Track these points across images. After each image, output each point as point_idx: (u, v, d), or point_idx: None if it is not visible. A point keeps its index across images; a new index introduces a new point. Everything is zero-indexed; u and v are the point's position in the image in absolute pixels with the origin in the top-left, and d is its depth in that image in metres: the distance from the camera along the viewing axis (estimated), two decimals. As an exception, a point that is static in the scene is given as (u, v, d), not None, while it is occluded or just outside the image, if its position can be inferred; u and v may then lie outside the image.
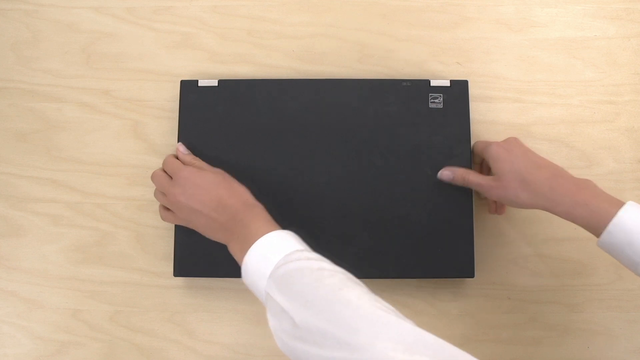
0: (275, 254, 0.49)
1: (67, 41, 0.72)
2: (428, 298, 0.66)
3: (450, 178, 0.63)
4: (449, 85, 0.66)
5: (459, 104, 0.66)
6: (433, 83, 0.66)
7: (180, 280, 0.67)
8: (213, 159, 0.65)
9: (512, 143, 0.59)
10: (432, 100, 0.66)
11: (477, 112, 0.69)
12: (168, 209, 0.60)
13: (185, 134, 0.66)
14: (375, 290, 0.67)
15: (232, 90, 0.67)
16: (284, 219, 0.64)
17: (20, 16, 0.73)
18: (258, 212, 0.55)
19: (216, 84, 0.67)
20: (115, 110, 0.71)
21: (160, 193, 0.60)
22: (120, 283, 0.68)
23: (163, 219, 0.62)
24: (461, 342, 0.65)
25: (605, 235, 0.50)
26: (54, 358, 0.66)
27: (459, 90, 0.66)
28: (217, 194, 0.56)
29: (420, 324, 0.66)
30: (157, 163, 0.69)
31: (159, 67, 0.71)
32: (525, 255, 0.67)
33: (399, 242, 0.64)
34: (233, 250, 0.54)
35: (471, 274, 0.63)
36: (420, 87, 0.66)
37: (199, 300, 0.67)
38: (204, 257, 0.64)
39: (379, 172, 0.65)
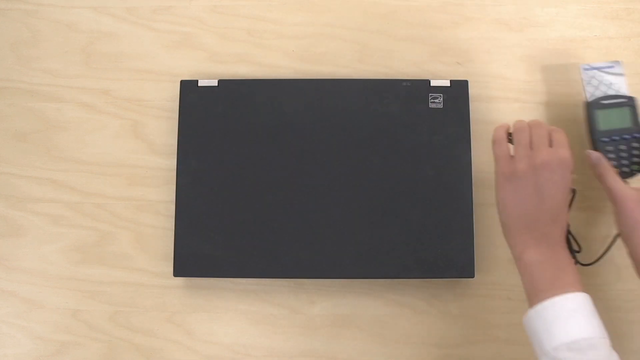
0: (574, 327, 0.47)
1: (66, 41, 0.72)
2: (428, 298, 0.66)
3: (593, 164, 0.60)
4: (449, 85, 0.66)
5: (459, 104, 0.66)
6: (433, 83, 0.66)
7: (180, 280, 0.67)
8: (213, 159, 0.65)
9: None
10: (432, 100, 0.66)
11: (477, 112, 0.69)
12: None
13: (185, 134, 0.66)
14: (375, 290, 0.67)
15: (232, 90, 0.67)
16: (284, 219, 0.64)
17: (20, 16, 0.73)
18: (569, 264, 0.52)
19: (216, 84, 0.67)
20: (115, 110, 0.71)
21: (527, 133, 0.53)
22: (120, 283, 0.68)
23: (497, 148, 0.54)
24: (461, 342, 0.65)
25: None
26: (54, 358, 0.66)
27: (459, 90, 0.66)
28: (564, 205, 0.53)
29: (420, 324, 0.66)
30: (157, 163, 0.69)
31: (159, 67, 0.71)
32: (525, 255, 0.67)
33: (399, 242, 0.64)
34: (529, 257, 0.51)
35: (471, 274, 0.63)
36: (420, 87, 0.66)
37: (198, 300, 0.67)
38: (204, 257, 0.64)
39: (379, 172, 0.65)
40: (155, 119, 0.70)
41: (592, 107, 0.63)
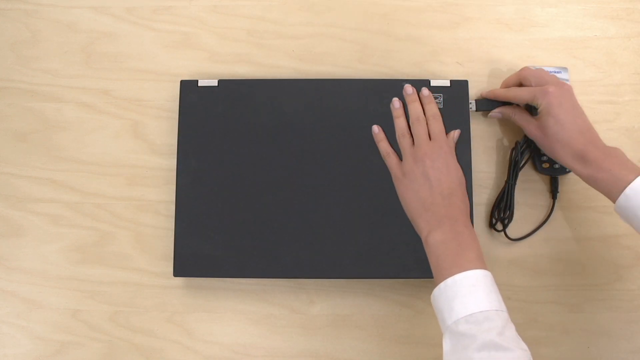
0: (472, 302, 0.50)
1: (66, 41, 0.72)
2: (428, 298, 0.66)
3: (499, 117, 0.67)
4: (449, 85, 0.66)
5: (459, 104, 0.66)
6: (433, 83, 0.66)
7: (180, 280, 0.67)
8: (213, 159, 0.65)
9: (566, 97, 0.60)
10: (432, 100, 0.66)
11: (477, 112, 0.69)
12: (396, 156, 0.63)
13: (185, 134, 0.66)
14: (375, 290, 0.67)
15: (232, 90, 0.67)
16: (284, 219, 0.64)
17: (20, 16, 0.73)
18: (472, 242, 0.55)
19: (216, 84, 0.67)
20: (115, 110, 0.71)
21: (408, 137, 0.62)
22: (120, 283, 0.68)
23: (388, 159, 0.63)
24: (461, 342, 0.65)
25: (621, 198, 0.54)
26: (54, 358, 0.66)
27: (459, 90, 0.66)
28: (455, 186, 0.58)
29: (421, 324, 0.66)
30: (157, 163, 0.69)
31: (159, 67, 0.71)
32: (525, 255, 0.67)
33: (399, 242, 0.64)
34: (433, 238, 0.55)
35: (471, 274, 0.63)
36: (420, 87, 0.66)
37: (198, 300, 0.67)
38: (204, 257, 0.64)
39: (379, 172, 0.65)
40: (155, 119, 0.70)
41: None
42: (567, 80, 0.69)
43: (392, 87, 0.66)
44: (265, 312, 0.67)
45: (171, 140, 0.68)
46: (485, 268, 0.53)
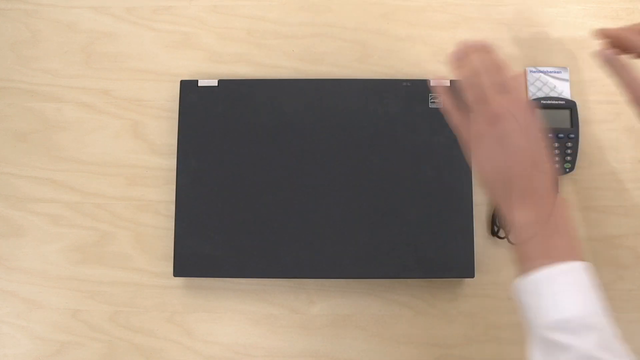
0: (567, 302, 0.41)
1: (66, 41, 0.72)
2: (428, 298, 0.66)
3: (604, 62, 0.55)
4: (449, 85, 0.66)
5: (459, 104, 0.66)
6: (433, 83, 0.66)
7: (180, 280, 0.67)
8: (213, 159, 0.65)
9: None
10: (432, 100, 0.66)
11: (477, 112, 0.69)
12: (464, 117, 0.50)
13: (185, 134, 0.66)
14: (375, 290, 0.67)
15: (232, 90, 0.67)
16: (284, 220, 0.64)
17: (20, 16, 0.73)
18: (565, 225, 0.45)
19: (216, 84, 0.67)
20: (115, 110, 0.71)
21: (477, 91, 0.48)
22: (120, 283, 0.68)
23: (457, 122, 0.51)
24: (461, 342, 0.65)
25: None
26: (54, 358, 0.66)
27: (459, 90, 0.66)
28: (538, 153, 0.46)
29: (420, 324, 0.66)
30: (157, 163, 0.69)
31: (159, 67, 0.71)
32: (525, 255, 0.67)
33: (399, 242, 0.64)
34: (517, 219, 0.45)
35: (471, 274, 0.63)
36: (420, 87, 0.66)
37: (198, 300, 0.67)
38: (204, 257, 0.64)
39: (379, 172, 0.65)
40: (155, 119, 0.70)
41: None
42: (567, 80, 0.69)
43: (392, 87, 0.66)
44: (265, 312, 0.67)
45: (171, 140, 0.68)
46: (581, 258, 0.43)
